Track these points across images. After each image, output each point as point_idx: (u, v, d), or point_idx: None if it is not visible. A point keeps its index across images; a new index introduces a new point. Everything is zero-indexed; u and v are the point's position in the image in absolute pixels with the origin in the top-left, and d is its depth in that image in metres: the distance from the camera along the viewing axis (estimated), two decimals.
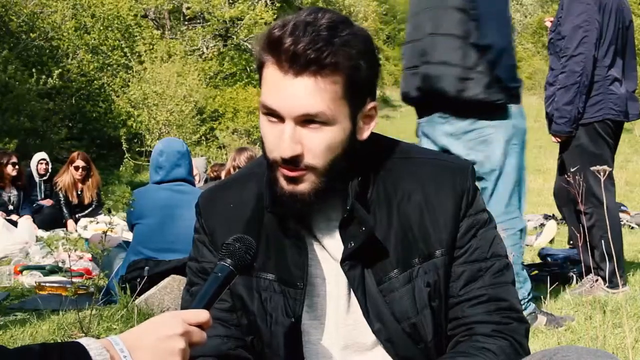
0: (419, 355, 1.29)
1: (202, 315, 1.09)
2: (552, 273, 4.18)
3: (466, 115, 3.24)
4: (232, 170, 5.67)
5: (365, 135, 1.27)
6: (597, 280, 3.90)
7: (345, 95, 1.19)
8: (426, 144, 3.39)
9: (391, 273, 1.28)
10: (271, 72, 1.19)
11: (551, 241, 6.31)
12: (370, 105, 1.26)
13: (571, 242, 5.85)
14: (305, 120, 1.19)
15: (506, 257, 1.34)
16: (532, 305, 3.31)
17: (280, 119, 1.20)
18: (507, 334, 1.27)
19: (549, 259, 4.76)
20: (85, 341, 1.00)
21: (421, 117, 3.44)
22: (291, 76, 1.17)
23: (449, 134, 3.29)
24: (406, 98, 3.44)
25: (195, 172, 8.19)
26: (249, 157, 5.64)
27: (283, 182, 1.23)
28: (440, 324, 1.30)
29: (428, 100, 3.30)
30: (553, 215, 7.17)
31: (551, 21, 4.31)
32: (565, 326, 3.26)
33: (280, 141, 1.19)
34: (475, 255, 1.30)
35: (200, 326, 1.09)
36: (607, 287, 3.86)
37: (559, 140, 4.07)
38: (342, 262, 1.28)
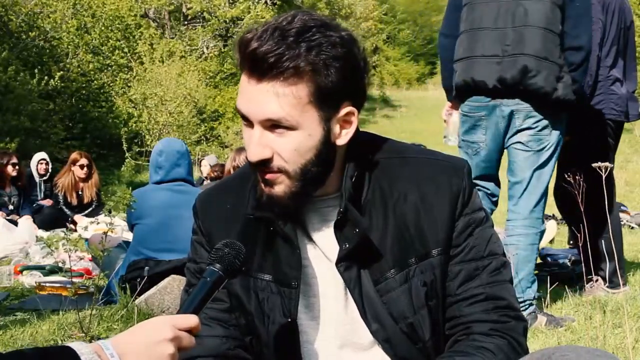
0: (417, 355, 1.29)
1: (191, 320, 1.10)
2: (552, 273, 4.18)
3: (537, 111, 3.28)
4: (231, 170, 5.68)
5: (343, 140, 1.26)
6: (597, 280, 3.90)
7: (312, 101, 1.18)
8: (477, 133, 3.41)
9: (388, 273, 1.28)
10: (242, 76, 1.21)
11: (551, 241, 6.30)
12: (346, 110, 1.23)
13: (571, 242, 5.84)
14: (271, 125, 1.19)
15: (503, 256, 1.35)
16: (533, 306, 3.32)
17: (250, 123, 1.21)
18: (505, 333, 1.27)
19: (549, 259, 4.75)
20: (76, 346, 1.01)
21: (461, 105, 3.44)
22: (254, 81, 1.18)
23: (509, 126, 3.32)
24: (473, 86, 3.32)
25: (208, 170, 8.20)
26: (244, 157, 5.65)
27: (262, 185, 1.25)
28: (437, 324, 1.30)
29: (505, 91, 3.26)
30: (553, 215, 7.16)
31: None
32: (566, 326, 3.26)
33: (249, 145, 1.21)
34: (472, 254, 1.31)
35: (189, 331, 1.10)
36: (607, 287, 3.86)
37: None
38: (338, 263, 1.28)
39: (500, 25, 3.27)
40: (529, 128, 3.31)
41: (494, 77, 3.26)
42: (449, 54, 3.48)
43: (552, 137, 3.33)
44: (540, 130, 3.31)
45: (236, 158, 5.73)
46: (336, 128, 1.24)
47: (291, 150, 1.20)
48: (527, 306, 3.24)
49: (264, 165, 1.21)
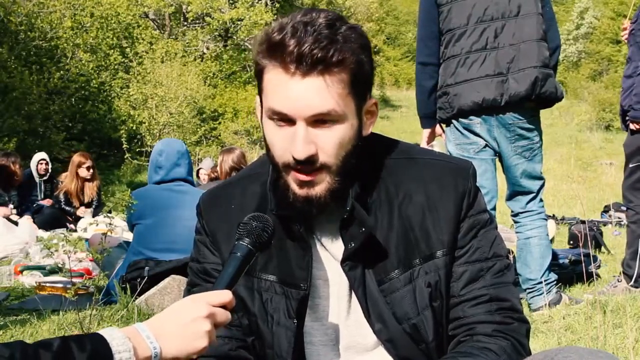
0: (419, 356, 1.29)
1: (225, 295, 1.11)
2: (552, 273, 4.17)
3: (532, 122, 3.49)
4: (228, 170, 5.69)
5: (368, 131, 1.28)
6: (620, 281, 3.87)
7: (351, 91, 1.20)
8: (475, 137, 3.52)
9: (392, 273, 1.28)
10: (276, 77, 1.18)
11: (551, 241, 6.31)
12: (372, 101, 1.28)
13: (571, 242, 5.84)
14: (317, 120, 1.18)
15: (507, 258, 1.35)
16: (555, 286, 3.62)
17: (290, 122, 1.19)
18: (508, 334, 1.27)
19: None
20: (108, 332, 1.01)
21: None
22: (299, 77, 1.16)
23: (506, 137, 3.48)
24: (484, 105, 3.41)
25: (206, 177, 8.19)
26: (238, 156, 5.69)
27: (295, 187, 1.22)
28: (441, 325, 1.30)
29: (509, 105, 3.40)
30: (553, 215, 7.17)
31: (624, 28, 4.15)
32: (566, 326, 3.27)
33: (293, 143, 1.18)
34: (476, 255, 1.31)
35: (224, 307, 1.10)
36: (632, 285, 3.81)
37: (637, 127, 3.94)
38: (343, 263, 1.28)
39: (495, 45, 3.40)
40: (523, 138, 3.50)
41: (506, 94, 3.38)
42: (432, 82, 3.58)
43: (539, 144, 3.58)
44: (532, 139, 3.53)
45: (227, 159, 5.75)
46: (364, 118, 1.27)
47: (335, 143, 1.20)
48: (552, 286, 3.59)
49: (309, 163, 1.19)
